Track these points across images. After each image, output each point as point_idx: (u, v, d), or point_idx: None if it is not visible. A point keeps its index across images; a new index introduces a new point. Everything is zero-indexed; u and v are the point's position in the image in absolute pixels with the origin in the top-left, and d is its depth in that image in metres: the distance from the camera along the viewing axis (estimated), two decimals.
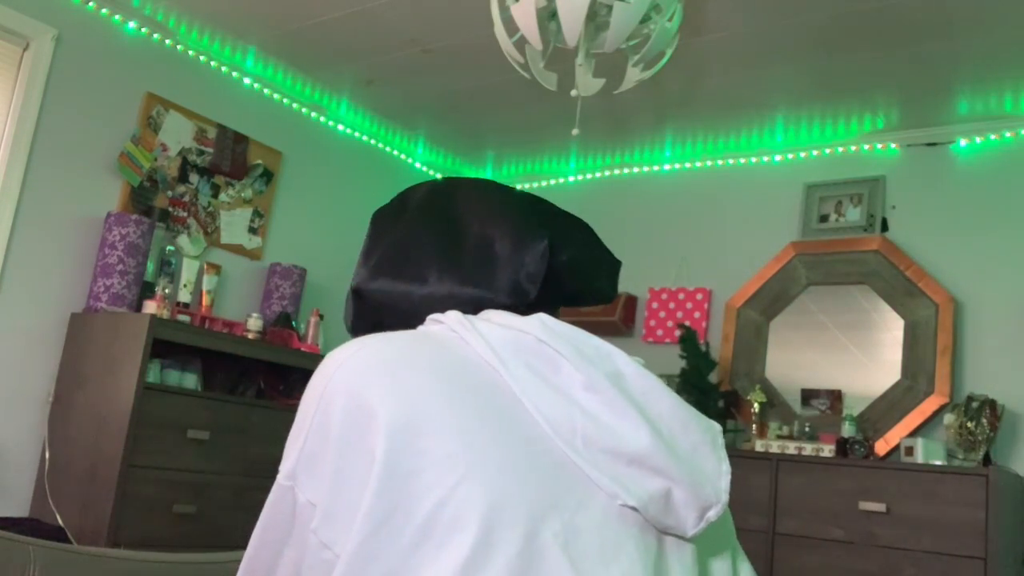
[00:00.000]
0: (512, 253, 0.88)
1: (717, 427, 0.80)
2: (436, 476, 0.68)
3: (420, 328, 0.86)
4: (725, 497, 0.75)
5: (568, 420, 0.73)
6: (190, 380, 3.30)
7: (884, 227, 3.68)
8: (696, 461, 0.75)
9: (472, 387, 0.74)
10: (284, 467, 0.77)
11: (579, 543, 0.69)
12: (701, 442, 0.77)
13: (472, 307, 0.86)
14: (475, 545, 0.66)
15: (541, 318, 0.81)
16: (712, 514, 0.74)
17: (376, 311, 0.91)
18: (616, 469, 0.72)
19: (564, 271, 0.90)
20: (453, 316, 0.82)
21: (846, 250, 3.71)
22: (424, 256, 0.90)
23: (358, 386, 0.73)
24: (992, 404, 3.09)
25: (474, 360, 0.77)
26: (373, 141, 4.45)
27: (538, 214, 0.93)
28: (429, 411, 0.71)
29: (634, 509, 0.72)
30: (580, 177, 4.63)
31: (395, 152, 4.57)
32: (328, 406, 0.74)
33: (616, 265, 0.96)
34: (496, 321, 0.81)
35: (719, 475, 0.76)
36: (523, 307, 0.88)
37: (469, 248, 0.89)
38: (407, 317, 0.88)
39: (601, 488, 0.72)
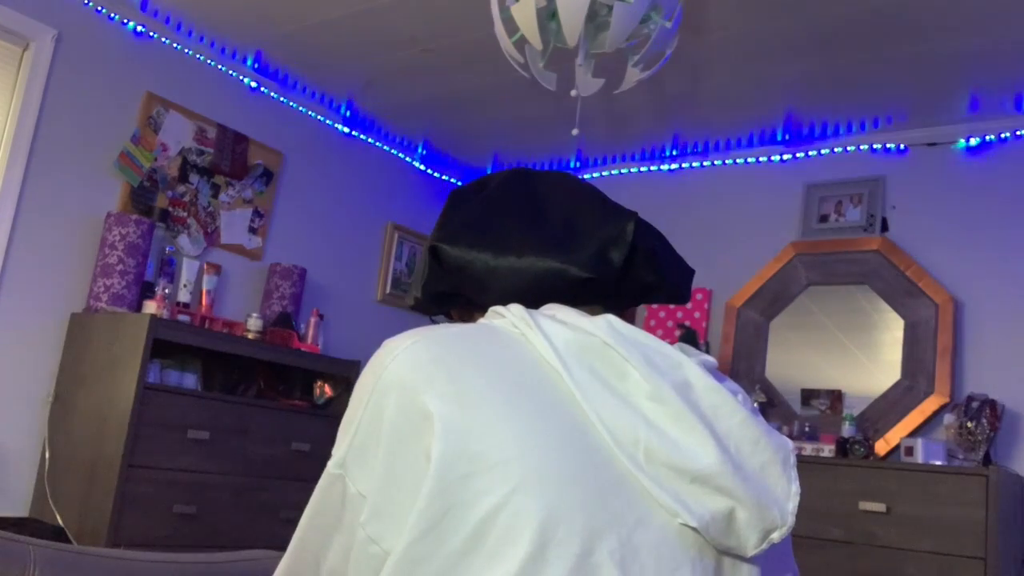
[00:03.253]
0: (599, 224, 0.85)
1: (790, 445, 0.76)
2: (490, 482, 0.65)
3: (481, 321, 0.82)
4: (791, 520, 0.72)
5: (631, 431, 0.70)
6: (190, 380, 3.30)
7: (884, 227, 3.68)
8: (764, 481, 0.72)
9: (532, 390, 0.71)
10: (335, 455, 0.75)
11: (636, 562, 0.66)
12: (771, 461, 0.73)
13: (549, 282, 0.82)
14: (527, 559, 0.63)
15: (609, 320, 0.77)
16: (776, 536, 0.71)
17: (451, 276, 0.87)
18: (678, 486, 0.69)
19: (645, 258, 0.86)
20: (516, 310, 0.78)
21: (846, 250, 3.71)
22: (505, 225, 0.85)
23: (413, 382, 0.71)
24: (992, 404, 3.09)
25: (536, 361, 0.73)
26: (373, 141, 4.45)
27: (622, 210, 0.90)
28: (487, 414, 0.68)
29: (694, 529, 0.69)
30: (580, 177, 4.63)
31: (395, 152, 4.57)
32: (381, 399, 0.72)
33: (691, 272, 0.93)
34: (561, 319, 0.77)
35: (788, 496, 0.73)
36: (600, 289, 0.83)
37: (553, 218, 0.86)
38: (480, 287, 0.85)
39: (661, 505, 0.69)
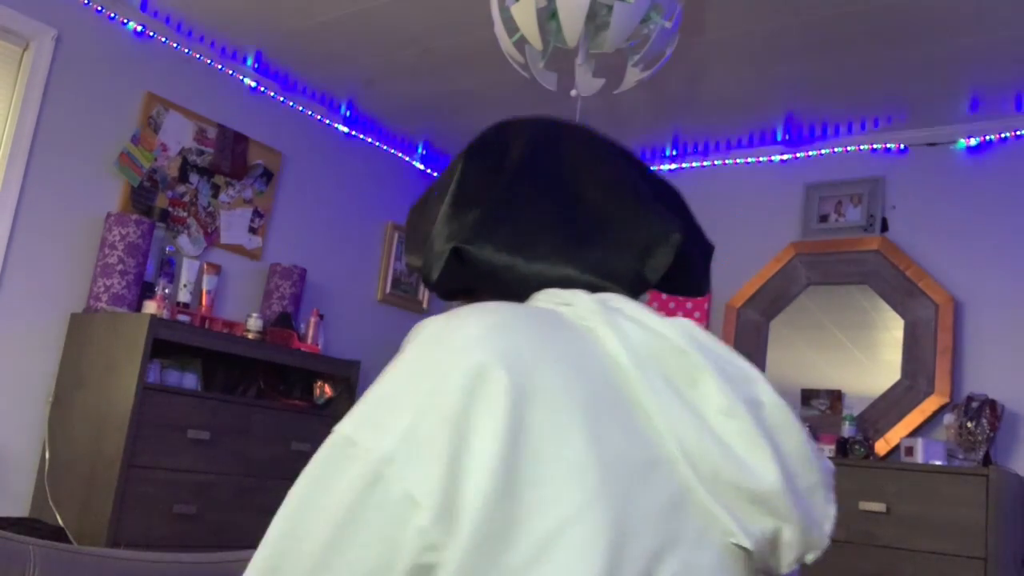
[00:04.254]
0: (639, 227, 0.79)
1: (832, 467, 0.74)
2: (560, 491, 0.60)
3: (542, 304, 0.75)
4: (827, 542, 0.71)
5: (699, 445, 0.66)
6: (190, 380, 3.30)
7: (884, 227, 3.68)
8: (810, 502, 0.70)
9: (603, 394, 0.66)
10: (374, 446, 0.62)
11: None
12: (819, 483, 0.72)
13: (580, 289, 0.76)
14: None
15: (683, 324, 0.72)
16: (811, 557, 0.70)
17: (472, 276, 0.80)
18: (737, 505, 0.66)
19: (680, 264, 0.82)
20: (586, 303, 0.72)
21: (846, 250, 3.71)
22: (534, 225, 0.78)
23: (487, 370, 0.62)
24: (992, 404, 3.09)
25: (604, 360, 0.68)
26: (373, 141, 4.45)
27: (656, 190, 0.83)
28: (560, 414, 0.63)
29: (743, 549, 0.66)
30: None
31: (395, 152, 4.57)
32: (447, 386, 0.62)
33: (711, 250, 0.87)
34: (634, 316, 0.72)
35: (826, 518, 0.71)
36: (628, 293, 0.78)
37: (587, 224, 0.79)
38: (504, 290, 0.78)
39: (719, 524, 0.66)
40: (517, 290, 0.78)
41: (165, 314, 3.18)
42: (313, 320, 3.84)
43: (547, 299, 0.75)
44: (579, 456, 0.61)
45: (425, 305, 4.64)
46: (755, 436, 0.68)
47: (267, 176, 3.96)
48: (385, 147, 4.52)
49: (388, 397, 0.65)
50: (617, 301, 0.74)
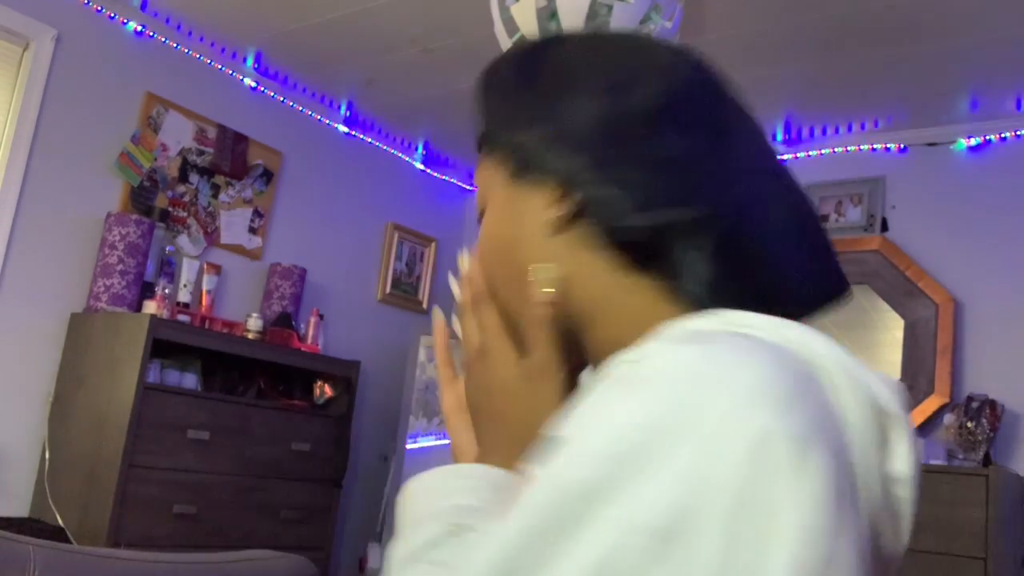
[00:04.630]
0: (808, 283, 0.72)
1: None
2: None
3: (778, 342, 0.58)
4: None
5: (882, 517, 0.58)
6: (190, 380, 3.30)
7: (884, 227, 3.68)
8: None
9: (849, 458, 0.55)
10: (620, 515, 0.49)
11: None
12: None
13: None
14: None
15: (890, 381, 0.62)
16: None
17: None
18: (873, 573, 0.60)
19: None
20: (826, 349, 0.59)
21: (846, 250, 3.71)
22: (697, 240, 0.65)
23: (772, 440, 0.49)
24: (992, 404, 3.09)
25: (840, 419, 0.57)
26: (372, 141, 4.45)
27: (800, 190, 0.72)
28: (840, 495, 0.51)
29: None
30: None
31: (395, 152, 4.57)
32: (727, 453, 0.49)
33: None
34: (857, 375, 0.61)
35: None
36: None
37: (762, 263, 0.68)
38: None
39: None
40: (624, 315, 0.65)
41: (165, 314, 3.19)
42: (313, 320, 3.85)
43: (768, 328, 0.59)
44: (854, 552, 0.51)
45: (425, 305, 4.64)
46: (910, 507, 0.61)
47: (267, 176, 3.96)
48: (385, 147, 4.52)
49: (635, 448, 0.50)
50: (836, 351, 0.62)
